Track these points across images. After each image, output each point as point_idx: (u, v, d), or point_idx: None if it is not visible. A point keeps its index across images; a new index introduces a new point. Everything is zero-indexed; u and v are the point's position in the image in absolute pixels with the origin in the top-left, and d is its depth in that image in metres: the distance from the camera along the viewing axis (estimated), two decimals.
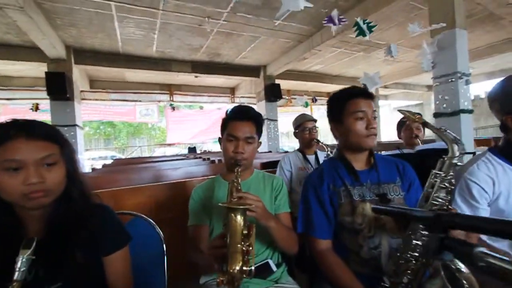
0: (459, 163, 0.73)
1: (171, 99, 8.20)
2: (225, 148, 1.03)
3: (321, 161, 1.88)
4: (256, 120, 1.05)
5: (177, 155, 6.47)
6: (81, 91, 6.52)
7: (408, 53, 6.69)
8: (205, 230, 1.03)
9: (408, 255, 0.67)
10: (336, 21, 3.53)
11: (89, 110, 8.11)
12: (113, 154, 12.36)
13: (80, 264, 0.72)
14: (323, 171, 1.02)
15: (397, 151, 1.32)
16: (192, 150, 8.18)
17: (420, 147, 1.32)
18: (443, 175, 0.73)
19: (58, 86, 4.66)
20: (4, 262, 0.65)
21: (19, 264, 0.55)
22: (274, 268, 0.97)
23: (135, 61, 5.82)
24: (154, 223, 1.06)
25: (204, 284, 1.01)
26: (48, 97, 4.90)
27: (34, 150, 0.65)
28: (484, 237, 0.92)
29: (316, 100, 9.02)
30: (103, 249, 0.79)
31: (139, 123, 18.23)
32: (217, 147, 13.60)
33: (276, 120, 7.38)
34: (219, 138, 1.11)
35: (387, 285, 0.73)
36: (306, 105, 8.58)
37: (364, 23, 3.38)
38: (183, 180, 1.99)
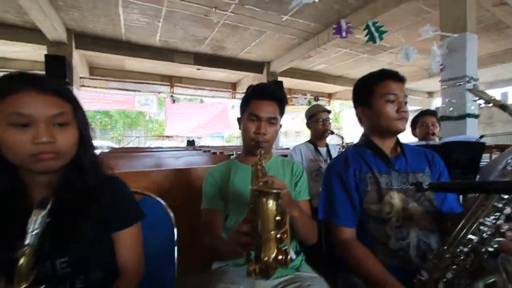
0: None
1: (172, 91, 8.09)
2: (245, 129, 0.97)
3: (333, 155, 1.82)
4: (280, 100, 0.98)
5: (176, 147, 6.37)
6: (81, 77, 6.39)
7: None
8: (220, 214, 0.96)
9: (457, 250, 0.61)
10: (344, 33, 3.55)
11: (87, 99, 7.95)
12: (109, 144, 12.17)
13: (89, 239, 0.65)
14: (348, 157, 0.96)
15: (422, 142, 1.28)
16: (190, 143, 8.08)
17: (446, 139, 1.28)
18: None
19: (58, 70, 4.53)
20: (5, 234, 0.58)
21: (31, 226, 0.48)
22: (293, 256, 0.91)
23: (138, 49, 5.71)
24: (165, 204, 0.99)
25: (216, 270, 0.94)
26: None
27: (46, 105, 0.57)
28: None
29: (318, 99, 9.00)
30: (113, 224, 0.72)
31: (137, 114, 18.03)
32: (215, 142, 13.54)
33: None
34: (238, 118, 1.04)
35: (424, 279, 0.67)
36: (309, 103, 8.55)
37: (374, 26, 3.36)
38: (188, 167, 1.92)
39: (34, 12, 3.72)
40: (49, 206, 0.50)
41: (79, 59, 5.75)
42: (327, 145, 1.89)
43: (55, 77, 4.55)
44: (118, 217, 0.72)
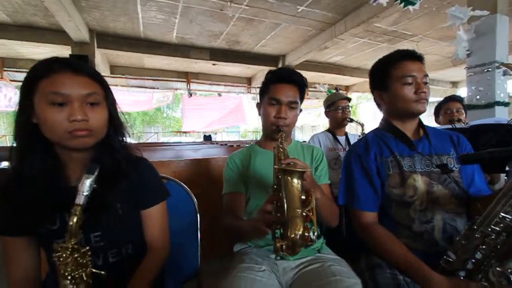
0: None
1: (188, 87, 8.23)
2: (266, 113, 0.98)
3: (352, 143, 1.79)
4: (301, 84, 0.98)
5: (194, 142, 6.51)
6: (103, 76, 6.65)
7: (435, 45, 6.38)
8: (242, 198, 0.99)
9: (489, 229, 0.59)
10: None
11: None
12: (129, 140, 12.59)
13: (120, 215, 0.70)
14: (368, 141, 0.95)
15: (448, 126, 1.23)
16: (207, 138, 8.20)
17: (474, 122, 1.22)
18: None
19: None
20: (41, 208, 0.63)
21: (82, 188, 0.53)
22: (315, 240, 0.91)
23: (155, 46, 5.84)
24: (188, 188, 1.03)
25: (238, 252, 0.97)
26: None
27: (80, 85, 0.63)
28: None
29: (338, 89, 8.80)
30: (142, 202, 0.77)
31: (155, 111, 18.49)
32: (230, 138, 13.66)
33: None
34: (257, 103, 1.06)
35: (451, 260, 0.66)
36: (329, 92, 8.39)
37: None
38: (207, 157, 1.97)
39: (59, 14, 3.90)
40: (96, 172, 0.54)
41: (100, 58, 5.98)
42: (346, 134, 1.86)
43: None
44: (146, 195, 0.77)
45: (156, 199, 0.79)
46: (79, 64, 0.65)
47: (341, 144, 1.78)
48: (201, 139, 8.86)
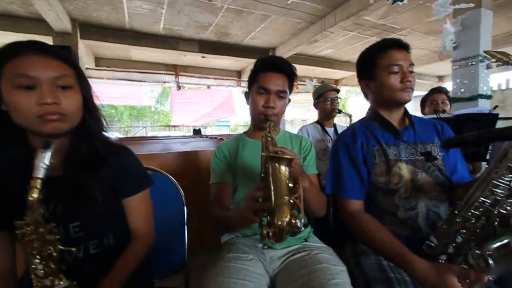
0: None
1: (177, 80, 8.07)
2: (254, 102, 0.96)
3: None
4: (290, 73, 0.97)
5: (183, 136, 6.43)
6: (87, 68, 6.42)
7: (422, 40, 6.48)
8: (229, 187, 0.98)
9: (469, 214, 0.60)
10: None
11: (94, 93, 7.98)
12: (117, 135, 12.36)
13: (100, 204, 0.67)
14: (355, 130, 0.95)
15: (433, 115, 1.25)
16: (197, 132, 8.11)
17: (458, 111, 1.25)
18: None
19: None
20: (14, 199, 0.60)
21: (38, 161, 0.51)
22: (301, 227, 0.92)
23: (141, 38, 5.67)
24: (174, 179, 1.01)
25: (226, 243, 0.96)
26: None
27: (48, 67, 0.60)
28: None
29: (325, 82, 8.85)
30: (123, 190, 0.74)
31: (142, 106, 18.12)
32: (221, 132, 13.57)
33: None
34: (246, 92, 1.04)
35: (433, 244, 0.67)
36: (315, 87, 8.43)
37: None
38: (196, 149, 1.94)
39: (38, 2, 3.72)
40: (52, 146, 0.52)
41: (84, 49, 5.76)
42: (334, 125, 1.87)
43: None
44: (128, 183, 0.74)
45: (138, 187, 0.76)
46: (48, 46, 0.62)
47: (329, 136, 1.79)
48: (191, 133, 8.76)
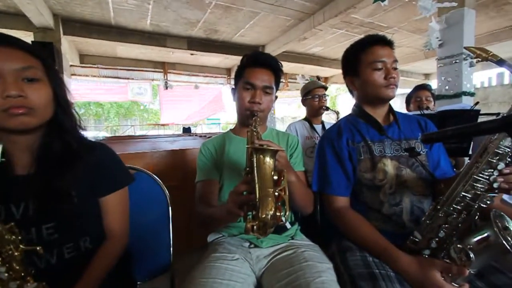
0: None
1: (165, 78, 7.93)
2: (240, 98, 0.94)
3: None
4: (276, 69, 0.96)
5: (172, 134, 6.33)
6: (71, 65, 6.22)
7: (409, 38, 6.60)
8: (215, 185, 0.96)
9: (451, 208, 0.61)
10: None
11: (79, 90, 7.76)
12: (104, 134, 12.07)
13: (75, 203, 0.64)
14: (341, 127, 0.95)
15: (417, 112, 1.27)
16: (187, 130, 8.01)
17: (441, 108, 1.27)
18: None
19: None
20: None
21: None
22: (288, 225, 0.91)
23: (128, 34, 5.53)
24: (158, 178, 0.98)
25: (212, 242, 0.94)
26: None
27: (13, 58, 0.56)
28: (506, 197, 0.89)
29: (320, 78, 8.93)
30: (100, 188, 0.71)
31: (131, 103, 17.74)
32: (211, 130, 13.47)
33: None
34: (232, 88, 1.02)
35: (417, 240, 0.68)
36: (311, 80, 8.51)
37: None
38: (183, 148, 1.90)
39: None
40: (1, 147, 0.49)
41: (68, 46, 5.57)
42: (322, 123, 1.88)
43: None
44: (105, 181, 0.71)
45: (115, 185, 0.73)
46: (12, 37, 0.58)
47: (317, 133, 1.79)
48: (181, 132, 8.65)
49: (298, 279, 0.69)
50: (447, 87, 3.39)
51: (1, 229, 0.49)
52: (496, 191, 0.56)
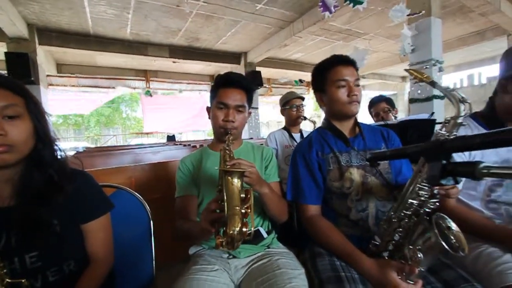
0: (464, 123, 0.72)
1: (148, 86, 7.84)
2: (214, 117, 1.00)
3: None
4: (248, 88, 1.02)
5: (156, 144, 6.25)
6: (47, 75, 6.03)
7: (385, 43, 6.90)
8: (194, 200, 1.00)
9: (402, 214, 0.68)
10: (332, 8, 3.39)
11: (57, 101, 7.51)
12: (85, 144, 11.68)
13: (57, 232, 0.66)
14: (311, 139, 1.02)
15: (381, 122, 1.36)
16: (171, 138, 7.95)
17: (402, 118, 1.37)
18: (446, 134, 0.73)
19: (21, 68, 4.25)
20: None
21: None
22: (265, 235, 0.96)
23: (107, 43, 5.45)
24: (139, 195, 1.00)
25: (193, 254, 0.98)
26: None
27: None
28: (462, 198, 0.98)
29: (302, 81, 9.17)
30: (81, 216, 0.73)
31: (112, 111, 17.29)
32: (196, 136, 13.34)
33: (257, 108, 7.35)
34: (207, 107, 1.07)
35: (377, 243, 0.75)
36: (296, 83, 8.73)
37: None
38: (165, 160, 1.92)
39: None
40: None
41: (44, 55, 5.42)
42: (301, 131, 1.96)
43: (19, 76, 4.29)
44: (86, 209, 0.73)
45: (97, 212, 0.75)
46: None
47: (296, 141, 1.86)
48: (165, 140, 8.55)
49: (271, 286, 0.75)
50: (419, 91, 3.59)
51: None
52: (437, 197, 0.64)
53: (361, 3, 3.15)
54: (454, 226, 0.61)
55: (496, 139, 0.45)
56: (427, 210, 0.63)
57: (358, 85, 0.95)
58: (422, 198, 0.63)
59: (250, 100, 1.04)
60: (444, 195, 0.68)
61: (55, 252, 0.67)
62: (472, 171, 0.46)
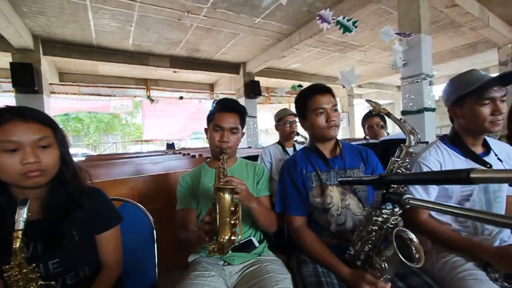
0: (414, 152, 0.85)
1: (148, 94, 7.99)
2: (211, 137, 1.12)
3: None
4: (240, 112, 1.14)
5: (155, 152, 6.35)
6: (50, 84, 6.17)
7: (380, 55, 7.10)
8: (193, 213, 1.11)
9: (369, 228, 0.80)
10: (330, 19, 3.58)
11: (58, 103, 7.66)
12: (84, 151, 11.74)
13: (76, 241, 0.77)
14: (296, 159, 1.13)
15: (363, 141, 1.48)
16: (170, 146, 8.04)
17: (384, 137, 1.49)
18: (400, 161, 0.86)
19: (25, 78, 4.39)
20: (1, 244, 0.68)
21: (19, 216, 0.61)
22: (256, 244, 1.07)
23: (110, 54, 5.62)
24: (143, 206, 1.11)
25: (192, 262, 1.08)
26: (12, 89, 4.60)
27: (30, 132, 0.69)
28: (432, 213, 1.09)
29: (301, 86, 9.28)
30: (96, 227, 0.84)
31: (111, 118, 17.40)
32: (195, 144, 13.45)
33: (255, 117, 7.50)
34: (205, 128, 1.19)
35: (352, 253, 0.86)
36: (294, 88, 8.83)
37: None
38: (166, 172, 2.03)
39: None
40: (28, 203, 0.62)
41: (47, 65, 5.56)
42: (294, 146, 2.08)
43: (23, 85, 4.41)
44: (100, 221, 0.85)
45: (109, 224, 0.87)
46: (29, 111, 0.71)
47: (289, 155, 1.98)
48: (165, 147, 8.65)
49: None
50: (411, 104, 3.73)
51: (27, 270, 0.61)
52: (398, 215, 0.75)
53: (350, 31, 3.36)
54: (415, 238, 0.72)
55: (419, 179, 0.59)
56: (389, 226, 0.75)
57: (336, 110, 1.07)
58: (384, 216, 0.74)
59: (243, 122, 1.16)
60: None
61: (73, 259, 0.78)
62: (398, 200, 0.61)
